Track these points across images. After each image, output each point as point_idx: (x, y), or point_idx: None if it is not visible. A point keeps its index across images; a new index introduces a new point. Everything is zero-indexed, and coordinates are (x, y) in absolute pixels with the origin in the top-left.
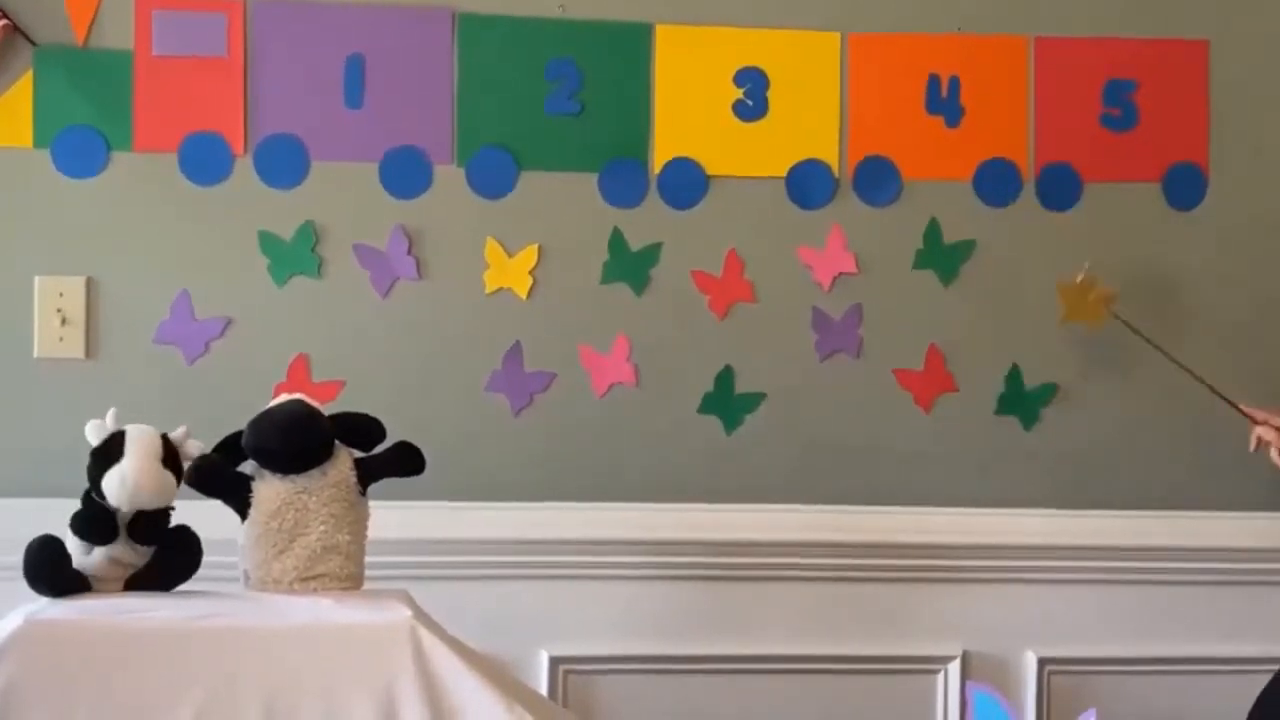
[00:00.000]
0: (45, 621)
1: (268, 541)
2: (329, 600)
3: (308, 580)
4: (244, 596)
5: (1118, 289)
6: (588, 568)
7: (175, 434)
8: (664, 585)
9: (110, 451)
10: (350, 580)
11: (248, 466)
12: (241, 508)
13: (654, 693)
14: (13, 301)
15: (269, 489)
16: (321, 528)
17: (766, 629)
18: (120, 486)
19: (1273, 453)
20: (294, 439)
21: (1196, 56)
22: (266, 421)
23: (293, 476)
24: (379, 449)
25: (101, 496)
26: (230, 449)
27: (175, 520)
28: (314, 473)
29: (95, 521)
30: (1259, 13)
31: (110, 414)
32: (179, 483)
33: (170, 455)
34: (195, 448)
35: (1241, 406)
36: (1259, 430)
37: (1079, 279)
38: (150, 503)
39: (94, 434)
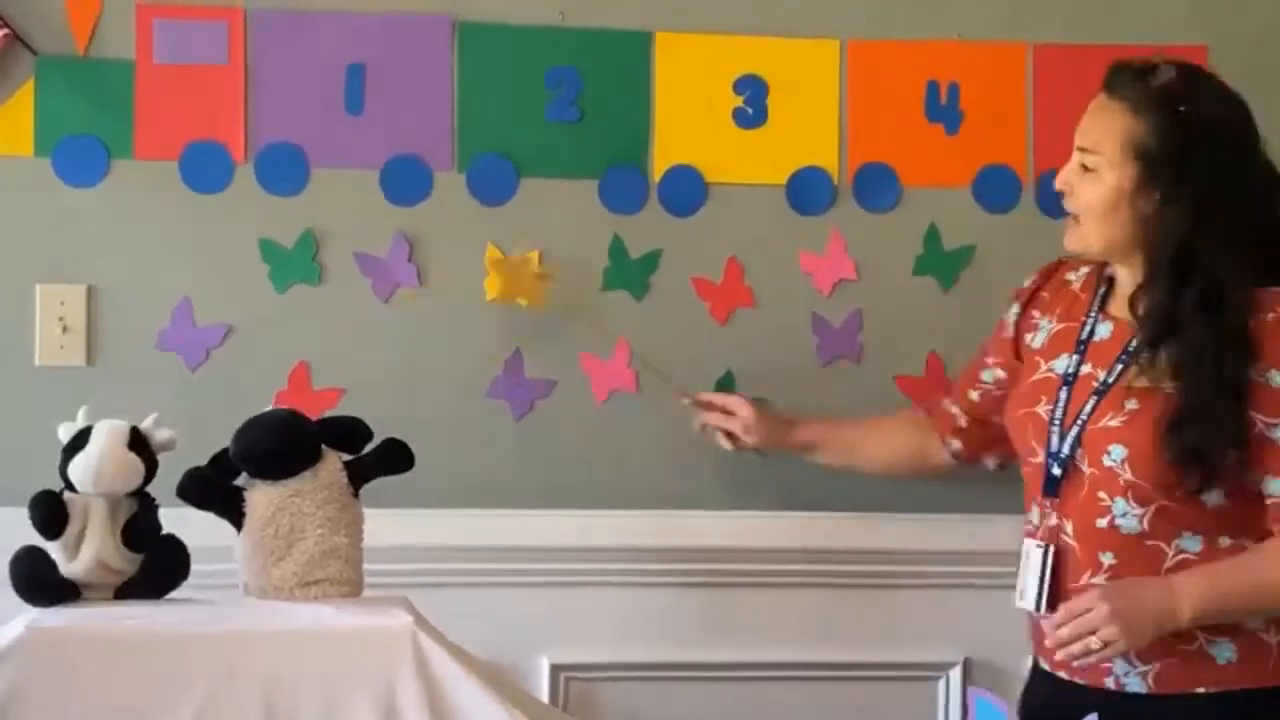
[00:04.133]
0: (46, 628)
1: (265, 549)
2: (329, 607)
3: (308, 585)
4: (244, 603)
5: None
6: (589, 574)
7: (144, 423)
8: (665, 592)
9: (79, 444)
10: (350, 586)
11: (241, 480)
12: (236, 518)
13: (655, 700)
14: (14, 309)
15: (261, 496)
16: (318, 531)
17: (768, 636)
18: (84, 470)
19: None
20: (281, 439)
21: (1196, 62)
22: (251, 427)
23: (284, 482)
24: (367, 449)
25: (72, 488)
26: (224, 463)
27: (167, 528)
28: (304, 476)
29: (41, 506)
30: (1257, 18)
31: (81, 411)
32: (150, 471)
33: (138, 443)
34: (165, 435)
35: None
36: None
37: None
38: (114, 485)
39: (65, 433)
